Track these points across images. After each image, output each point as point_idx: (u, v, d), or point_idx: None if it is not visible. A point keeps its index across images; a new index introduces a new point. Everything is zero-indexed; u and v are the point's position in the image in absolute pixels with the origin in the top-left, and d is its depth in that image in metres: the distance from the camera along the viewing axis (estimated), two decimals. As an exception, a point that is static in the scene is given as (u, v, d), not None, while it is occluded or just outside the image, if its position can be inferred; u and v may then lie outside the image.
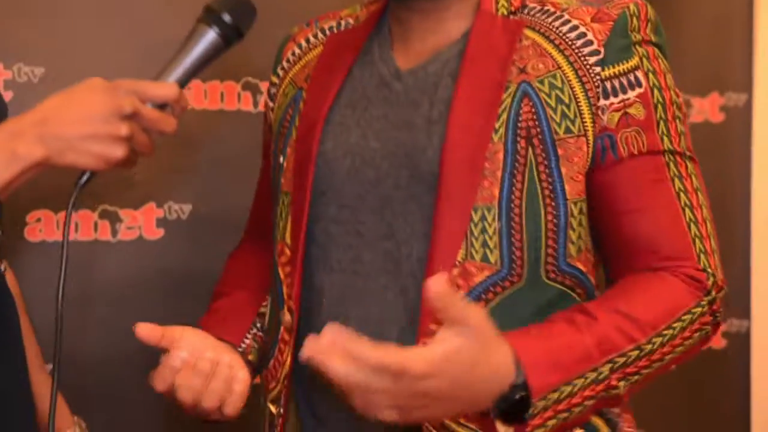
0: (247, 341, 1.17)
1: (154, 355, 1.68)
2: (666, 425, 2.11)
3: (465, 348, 0.85)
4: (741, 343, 2.15)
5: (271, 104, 1.22)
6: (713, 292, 1.02)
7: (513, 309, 0.99)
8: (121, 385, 1.65)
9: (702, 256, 1.02)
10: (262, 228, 1.26)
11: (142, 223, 1.68)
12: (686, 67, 2.06)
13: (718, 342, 2.14)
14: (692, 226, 1.02)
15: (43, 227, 1.60)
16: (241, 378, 1.04)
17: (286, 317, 1.05)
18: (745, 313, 2.15)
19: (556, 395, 0.93)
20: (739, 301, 2.14)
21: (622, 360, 0.96)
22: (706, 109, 2.12)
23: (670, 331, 0.99)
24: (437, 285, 0.82)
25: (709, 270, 1.02)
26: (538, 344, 0.94)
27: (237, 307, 1.19)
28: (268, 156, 1.23)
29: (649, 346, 0.97)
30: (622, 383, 0.97)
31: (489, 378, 0.89)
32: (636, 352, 0.97)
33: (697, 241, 1.02)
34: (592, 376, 0.95)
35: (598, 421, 1.04)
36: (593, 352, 0.95)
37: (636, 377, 0.98)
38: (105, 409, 1.57)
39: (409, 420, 0.88)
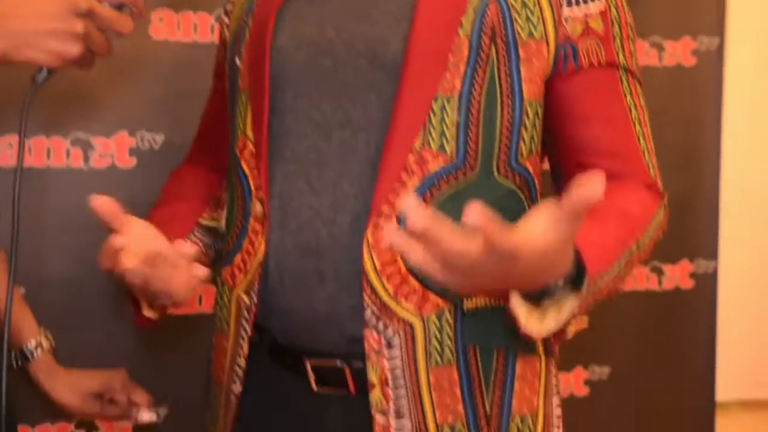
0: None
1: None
2: (633, 364, 2.15)
3: (561, 244, 0.81)
4: (708, 283, 2.19)
5: (226, 20, 1.24)
6: (664, 201, 1.07)
7: (464, 201, 1.00)
8: (91, 309, 1.69)
9: (650, 168, 1.07)
10: (207, 147, 1.29)
11: (114, 151, 1.70)
12: (659, 10, 2.08)
13: (686, 283, 2.17)
14: (641, 139, 1.07)
15: (14, 153, 1.61)
16: (196, 266, 1.06)
17: (257, 207, 1.08)
18: (712, 254, 2.18)
19: (593, 287, 0.92)
20: (707, 242, 2.18)
21: (628, 258, 0.99)
22: (678, 52, 2.14)
23: (652, 231, 1.03)
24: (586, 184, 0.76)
25: (657, 181, 1.07)
26: (592, 236, 0.91)
27: (176, 216, 1.21)
28: (219, 75, 1.26)
29: (642, 244, 1.01)
30: (624, 280, 1.01)
31: (555, 270, 0.86)
32: (635, 247, 1.00)
33: (645, 153, 1.07)
34: (614, 271, 0.96)
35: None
36: (616, 248, 0.97)
37: (628, 276, 1.01)
38: (74, 330, 1.59)
39: (464, 291, 0.89)
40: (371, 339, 1.02)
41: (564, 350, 2.07)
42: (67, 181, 1.67)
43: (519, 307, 0.88)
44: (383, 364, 1.02)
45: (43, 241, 1.66)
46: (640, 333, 2.15)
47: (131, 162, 1.71)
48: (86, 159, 1.68)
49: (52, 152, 1.65)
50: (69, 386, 1.31)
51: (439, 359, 1.03)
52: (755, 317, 2.20)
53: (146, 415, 1.35)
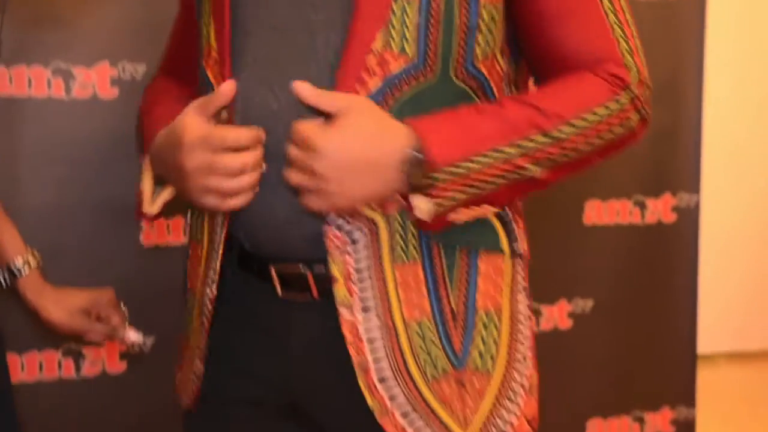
0: None
1: (107, 212, 1.73)
2: (617, 296, 2.17)
3: (355, 118, 0.97)
4: (691, 216, 2.21)
5: None
6: (635, 89, 1.05)
7: (423, 103, 1.03)
8: (70, 240, 1.70)
9: (626, 54, 1.06)
10: (175, 66, 1.29)
11: (95, 81, 1.69)
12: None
13: (668, 216, 2.19)
14: (616, 27, 1.06)
15: (-5, 81, 1.61)
16: None
17: (223, 115, 1.08)
18: (694, 187, 2.20)
19: (459, 170, 0.98)
20: (689, 175, 2.20)
21: (530, 144, 1.01)
22: (660, -14, 2.14)
23: (583, 122, 1.03)
24: (304, 86, 0.98)
25: (633, 67, 1.06)
26: (438, 124, 1.00)
27: (170, 114, 1.20)
28: None
29: (557, 134, 1.02)
30: (533, 167, 1.02)
31: (388, 144, 0.98)
32: (544, 139, 1.01)
33: (621, 41, 1.06)
34: (496, 155, 1.00)
35: (495, 221, 1.09)
36: (495, 134, 1.00)
37: (550, 163, 1.02)
38: (57, 258, 1.58)
39: (334, 205, 0.98)
40: (333, 237, 1.04)
41: (547, 283, 2.11)
42: (48, 111, 1.67)
43: (412, 197, 0.98)
44: (347, 260, 1.04)
45: (24, 171, 1.66)
46: (624, 266, 2.17)
47: (113, 93, 1.70)
48: (68, 89, 1.67)
49: (33, 82, 1.65)
50: (57, 303, 1.31)
51: (404, 257, 1.05)
52: (737, 250, 2.24)
53: (133, 335, 1.36)
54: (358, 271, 1.04)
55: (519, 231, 1.12)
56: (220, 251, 1.10)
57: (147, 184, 1.13)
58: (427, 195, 0.99)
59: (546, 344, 2.18)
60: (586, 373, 2.17)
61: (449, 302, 1.06)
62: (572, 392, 2.16)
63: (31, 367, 1.71)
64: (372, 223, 1.04)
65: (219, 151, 1.01)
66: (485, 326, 1.07)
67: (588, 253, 2.15)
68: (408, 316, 1.05)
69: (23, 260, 1.31)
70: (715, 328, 2.20)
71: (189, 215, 1.19)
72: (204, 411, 1.18)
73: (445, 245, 1.06)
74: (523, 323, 1.11)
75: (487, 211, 1.06)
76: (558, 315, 2.14)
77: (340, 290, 1.04)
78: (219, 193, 1.02)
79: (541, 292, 2.12)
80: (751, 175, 2.27)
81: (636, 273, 2.19)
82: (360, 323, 1.04)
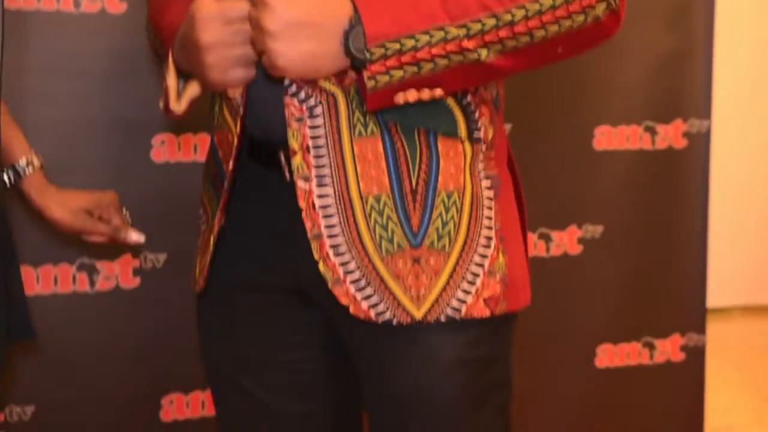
0: None
1: (116, 127, 1.74)
2: (627, 222, 2.17)
3: None
4: (702, 142, 2.20)
5: None
6: None
7: None
8: (79, 156, 1.72)
9: None
10: None
11: (104, -3, 1.70)
12: None
13: (679, 142, 2.18)
14: None
15: None
16: None
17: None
18: (705, 113, 2.19)
19: (396, 46, 0.98)
20: (700, 101, 2.18)
21: (476, 26, 1.00)
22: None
23: (537, 5, 1.01)
24: None
25: None
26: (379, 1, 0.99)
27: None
28: None
29: (509, 16, 1.00)
30: (482, 50, 1.01)
31: (330, 12, 0.98)
32: (492, 20, 1.00)
33: None
34: (439, 34, 0.99)
35: (454, 107, 1.09)
36: (439, 13, 0.99)
37: (499, 47, 1.01)
38: (67, 173, 1.59)
39: (281, 65, 0.99)
40: (292, 107, 1.05)
41: (558, 209, 2.11)
42: (57, 25, 1.68)
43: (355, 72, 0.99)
44: (305, 131, 1.05)
45: (32, 85, 1.67)
46: (634, 192, 2.17)
47: (121, 7, 1.71)
48: (76, 3, 1.68)
49: (41, -4, 1.65)
50: (60, 202, 1.34)
51: (363, 130, 1.05)
52: (747, 178, 2.22)
53: (134, 235, 1.38)
54: (315, 143, 1.05)
55: (483, 119, 1.11)
56: (238, 130, 1.12)
57: (171, 79, 1.14)
58: (366, 70, 0.99)
59: (556, 270, 2.19)
60: (596, 299, 2.17)
61: (410, 179, 1.06)
62: (582, 318, 2.17)
63: (45, 280, 1.73)
64: (331, 96, 1.05)
65: (237, 21, 1.02)
66: (445, 206, 1.07)
67: (598, 179, 2.14)
68: (365, 190, 1.06)
69: (27, 160, 1.33)
70: (726, 282, 2.17)
71: (211, 108, 1.20)
72: (211, 295, 1.21)
73: (402, 125, 1.06)
74: (487, 207, 1.10)
75: (439, 94, 1.04)
76: (568, 241, 2.15)
77: (296, 161, 1.06)
78: (245, 61, 1.03)
79: (551, 217, 2.12)
80: (765, 101, 2.25)
81: (647, 199, 2.18)
82: (315, 194, 1.06)
